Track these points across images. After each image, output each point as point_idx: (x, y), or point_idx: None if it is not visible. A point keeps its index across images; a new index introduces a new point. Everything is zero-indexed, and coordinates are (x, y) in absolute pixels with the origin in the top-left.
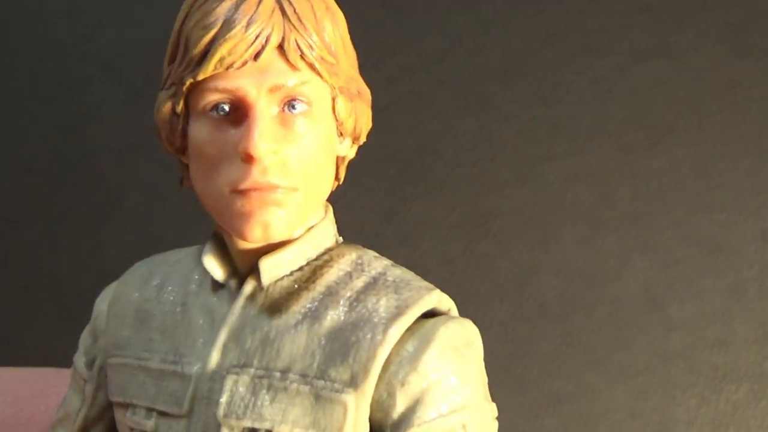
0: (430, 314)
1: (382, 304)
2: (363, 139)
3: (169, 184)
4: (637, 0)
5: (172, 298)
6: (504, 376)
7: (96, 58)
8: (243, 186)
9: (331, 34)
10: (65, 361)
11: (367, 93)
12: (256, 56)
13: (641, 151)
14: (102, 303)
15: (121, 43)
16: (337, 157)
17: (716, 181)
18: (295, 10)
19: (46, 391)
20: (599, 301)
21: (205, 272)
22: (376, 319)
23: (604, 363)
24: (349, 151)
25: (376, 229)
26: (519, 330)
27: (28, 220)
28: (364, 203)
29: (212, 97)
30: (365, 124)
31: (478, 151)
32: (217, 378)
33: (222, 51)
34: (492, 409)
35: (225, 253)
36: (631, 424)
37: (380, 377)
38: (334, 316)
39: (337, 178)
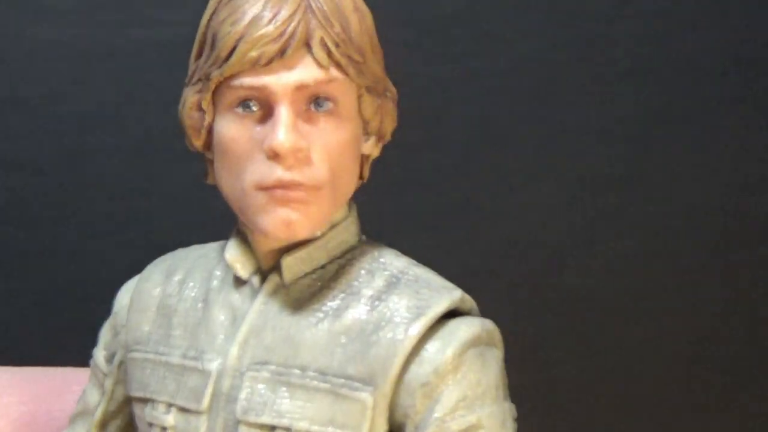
0: (451, 314)
1: (404, 303)
2: (388, 137)
3: (183, 181)
4: None
5: (193, 294)
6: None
7: (100, 58)
8: (268, 183)
9: (358, 32)
10: (82, 361)
11: (393, 92)
12: (283, 53)
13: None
14: (123, 297)
15: (127, 43)
16: (362, 156)
17: None
18: (323, 8)
19: (65, 389)
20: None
21: (228, 268)
22: (397, 319)
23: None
24: (374, 150)
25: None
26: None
27: (43, 221)
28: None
29: (238, 94)
30: (390, 123)
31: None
32: (236, 375)
33: (249, 48)
34: (511, 409)
35: (247, 249)
36: None
37: (400, 377)
38: (355, 314)
39: (361, 176)
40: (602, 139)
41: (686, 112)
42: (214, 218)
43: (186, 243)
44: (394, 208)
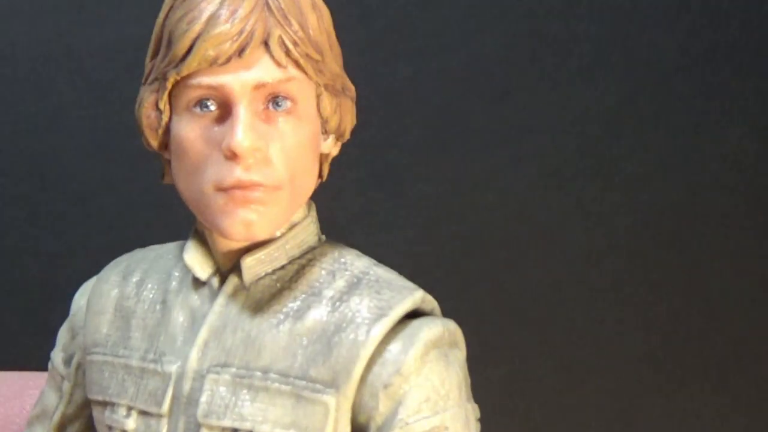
0: (413, 314)
1: (365, 304)
2: (347, 136)
3: (140, 182)
4: None
5: (152, 295)
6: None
7: (63, 58)
8: (226, 184)
9: (316, 30)
10: (41, 364)
11: (351, 90)
12: (241, 52)
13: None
14: (80, 299)
15: (88, 43)
16: (321, 155)
17: None
18: (280, 6)
19: (23, 392)
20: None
21: (186, 269)
22: (359, 320)
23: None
24: (333, 149)
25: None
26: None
27: (0, 222)
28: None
29: (196, 94)
30: (350, 121)
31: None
32: (197, 377)
33: (206, 47)
34: (474, 410)
35: (206, 250)
36: None
37: (362, 378)
38: (316, 315)
39: (320, 175)
40: (563, 135)
41: (649, 107)
42: (174, 219)
43: (146, 243)
44: (354, 207)
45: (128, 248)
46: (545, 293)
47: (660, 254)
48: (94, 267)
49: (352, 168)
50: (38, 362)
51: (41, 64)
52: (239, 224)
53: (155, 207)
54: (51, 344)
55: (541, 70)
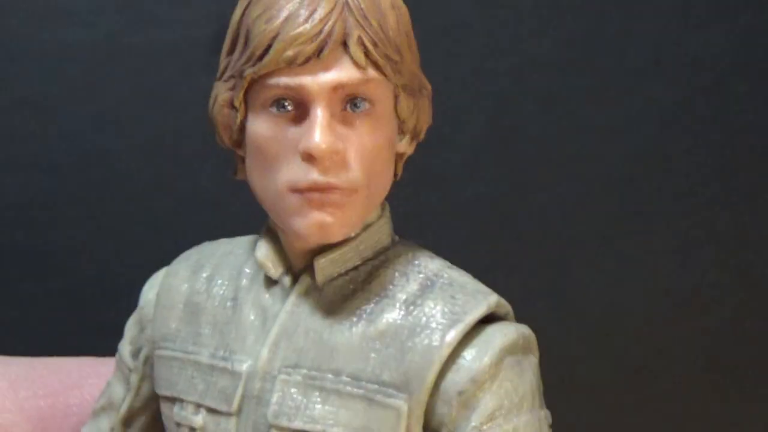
0: (487, 319)
1: (439, 309)
2: (422, 136)
3: (197, 179)
4: None
5: (222, 291)
6: None
7: (123, 58)
8: (302, 185)
9: (396, 30)
10: (99, 351)
11: (428, 89)
12: (320, 53)
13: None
14: (150, 292)
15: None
16: (396, 154)
17: None
18: (360, 6)
19: (82, 381)
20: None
21: (258, 267)
22: (433, 325)
23: None
24: (408, 148)
25: None
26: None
27: (61, 221)
28: None
29: (273, 93)
30: (426, 121)
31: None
32: (268, 377)
33: (285, 47)
34: (547, 417)
35: (279, 248)
36: None
37: (436, 384)
38: (389, 319)
39: (394, 174)
40: (617, 138)
41: (701, 111)
42: (232, 218)
43: (204, 240)
44: (424, 206)
45: (188, 246)
46: (602, 295)
47: (720, 258)
48: (154, 258)
49: (418, 167)
50: (98, 350)
51: (99, 63)
52: (314, 226)
53: (213, 206)
54: (110, 332)
55: (595, 70)
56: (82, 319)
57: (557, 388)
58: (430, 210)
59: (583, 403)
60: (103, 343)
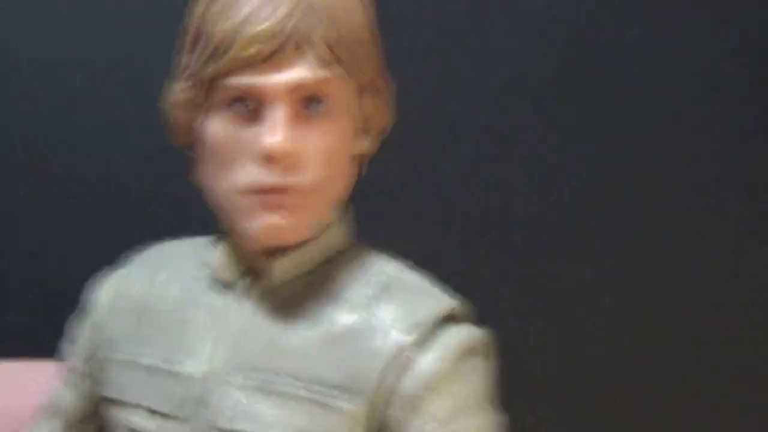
0: (443, 321)
1: (394, 312)
2: (385, 134)
3: (155, 178)
4: None
5: (175, 294)
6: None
7: (77, 59)
8: (258, 187)
9: (357, 29)
10: (47, 354)
11: (390, 88)
12: (279, 52)
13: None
14: (99, 294)
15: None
16: (358, 153)
17: None
18: (322, 4)
19: (28, 383)
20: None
21: (212, 269)
22: (387, 328)
23: None
24: (370, 147)
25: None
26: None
27: (21, 218)
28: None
29: (232, 93)
30: (387, 119)
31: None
32: (218, 380)
33: (245, 46)
34: (499, 420)
35: (233, 251)
36: None
37: (388, 387)
38: (344, 321)
39: (356, 174)
40: (602, 142)
41: (697, 116)
42: (195, 216)
43: (160, 240)
44: (387, 208)
45: (138, 244)
46: (577, 298)
47: (694, 263)
48: (103, 260)
49: (381, 168)
50: (45, 352)
51: (50, 65)
52: (267, 229)
53: (169, 204)
54: (56, 334)
55: (584, 78)
56: (28, 322)
57: (529, 390)
58: (408, 213)
59: (554, 404)
60: (52, 346)
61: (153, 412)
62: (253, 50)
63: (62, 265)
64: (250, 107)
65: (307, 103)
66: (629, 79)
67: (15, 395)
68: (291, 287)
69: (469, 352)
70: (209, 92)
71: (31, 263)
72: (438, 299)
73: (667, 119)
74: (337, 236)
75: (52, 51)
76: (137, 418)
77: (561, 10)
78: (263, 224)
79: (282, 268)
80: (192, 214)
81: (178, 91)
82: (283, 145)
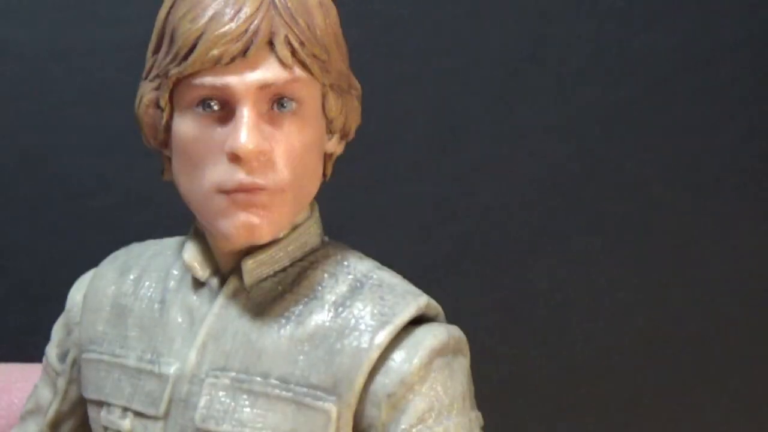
0: (418, 320)
1: (368, 310)
2: (352, 135)
3: (137, 178)
4: None
5: (150, 293)
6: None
7: (62, 58)
8: (229, 186)
9: (323, 29)
10: (32, 358)
11: (357, 88)
12: (245, 52)
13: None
14: (76, 294)
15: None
16: (325, 154)
17: None
18: (287, 5)
19: (9, 386)
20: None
21: (185, 268)
22: (362, 327)
23: None
24: (337, 148)
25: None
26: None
27: (19, 220)
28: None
29: (199, 93)
30: (355, 120)
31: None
32: (195, 381)
33: (210, 46)
34: (478, 418)
35: (206, 250)
36: None
37: (365, 387)
38: (318, 321)
39: (323, 174)
40: (561, 136)
41: (648, 108)
42: (173, 216)
43: (143, 239)
44: (356, 207)
45: (122, 244)
46: (545, 294)
47: (660, 254)
48: (89, 264)
49: (350, 167)
50: (27, 355)
51: (39, 62)
52: (240, 228)
53: (155, 205)
54: (40, 337)
55: (539, 71)
56: (27, 324)
57: (500, 388)
58: (373, 210)
59: (527, 403)
60: (31, 347)
61: (129, 411)
62: (217, 52)
63: (61, 266)
64: (219, 107)
65: (276, 102)
66: (619, 78)
67: (14, 397)
68: (264, 286)
69: (445, 350)
70: (179, 92)
71: (30, 265)
72: (412, 297)
73: (659, 117)
74: (308, 235)
75: (52, 50)
76: (114, 417)
77: (543, 3)
78: (236, 223)
79: (255, 267)
80: (192, 213)
81: (146, 92)
82: (251, 145)
